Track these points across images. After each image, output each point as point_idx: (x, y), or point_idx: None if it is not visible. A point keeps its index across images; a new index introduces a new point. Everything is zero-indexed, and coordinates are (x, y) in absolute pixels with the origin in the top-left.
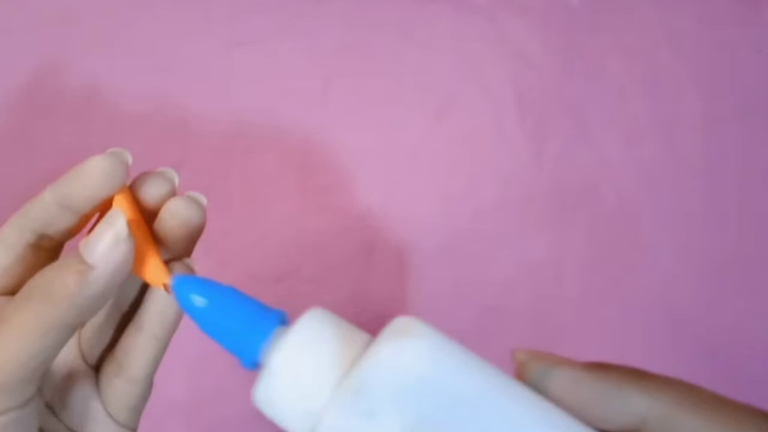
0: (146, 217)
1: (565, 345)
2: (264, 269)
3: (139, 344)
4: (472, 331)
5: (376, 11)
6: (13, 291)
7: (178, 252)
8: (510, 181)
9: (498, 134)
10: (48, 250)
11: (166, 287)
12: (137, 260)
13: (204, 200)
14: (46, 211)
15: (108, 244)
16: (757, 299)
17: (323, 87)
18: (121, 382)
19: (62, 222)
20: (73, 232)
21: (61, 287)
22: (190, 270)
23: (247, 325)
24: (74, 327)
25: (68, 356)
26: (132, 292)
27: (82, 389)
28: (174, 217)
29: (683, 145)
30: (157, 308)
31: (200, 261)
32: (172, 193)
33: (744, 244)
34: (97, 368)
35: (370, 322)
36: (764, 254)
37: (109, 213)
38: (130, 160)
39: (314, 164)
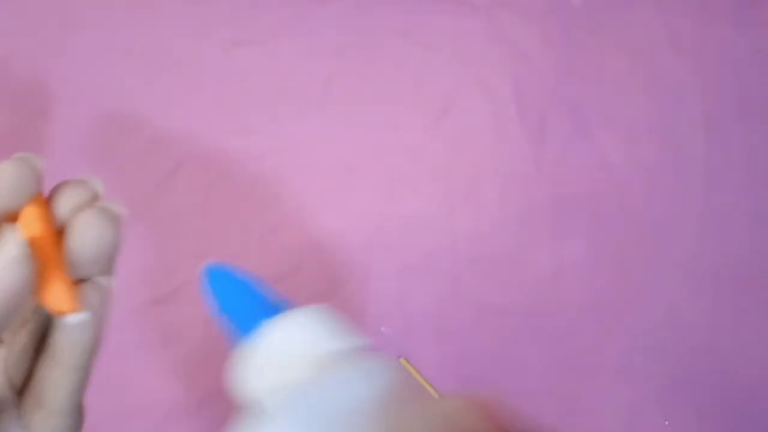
0: (60, 233)
1: (565, 347)
2: (264, 268)
3: (56, 376)
4: (473, 331)
5: (376, 11)
6: None
7: (94, 271)
8: (510, 181)
9: (498, 134)
10: None
11: (72, 313)
12: (41, 283)
13: (120, 211)
14: None
15: (1, 265)
16: (758, 299)
17: (323, 87)
18: (44, 415)
19: None
20: None
21: None
22: (102, 292)
23: (257, 305)
24: None
25: None
26: (47, 314)
27: (6, 421)
28: (82, 233)
29: (684, 146)
30: (70, 338)
31: (205, 259)
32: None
33: (745, 244)
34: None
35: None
36: (765, 253)
37: (4, 228)
38: (40, 165)
39: (314, 164)
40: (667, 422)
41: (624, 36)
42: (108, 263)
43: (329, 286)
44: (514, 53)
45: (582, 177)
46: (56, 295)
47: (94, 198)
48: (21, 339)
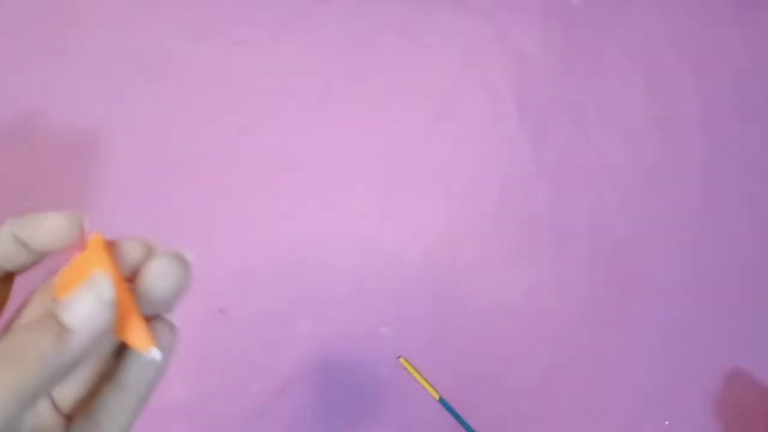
0: (124, 274)
1: (565, 347)
2: (263, 267)
3: (120, 403)
4: (472, 331)
5: (376, 12)
6: None
7: (162, 310)
8: (510, 181)
9: (498, 134)
10: (6, 278)
11: (149, 349)
12: (119, 321)
13: (189, 257)
14: (3, 244)
15: (90, 308)
16: (758, 298)
17: (323, 87)
18: None
19: (19, 258)
20: (29, 267)
21: (34, 351)
22: (173, 330)
23: None
24: (46, 391)
25: (39, 408)
26: (108, 347)
27: None
28: (158, 278)
29: (683, 145)
30: (142, 369)
31: (218, 261)
32: (149, 254)
33: (744, 243)
34: (69, 417)
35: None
36: (765, 253)
37: (93, 274)
38: (86, 224)
39: (314, 163)
40: (667, 422)
41: (624, 36)
42: (175, 303)
43: (329, 286)
44: (514, 53)
45: (582, 177)
46: (135, 333)
47: (149, 250)
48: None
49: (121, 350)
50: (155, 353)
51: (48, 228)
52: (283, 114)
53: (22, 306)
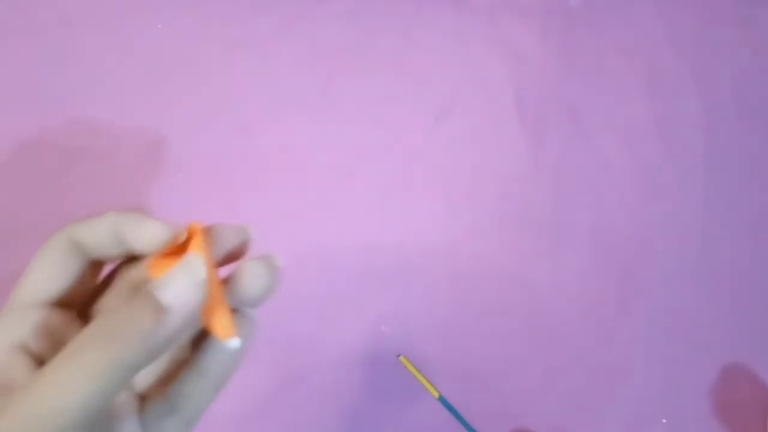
0: (216, 259)
1: (565, 347)
2: None
3: (199, 390)
4: (473, 331)
5: (376, 13)
6: (65, 304)
7: (244, 307)
8: (510, 181)
9: (498, 135)
10: (95, 264)
11: (232, 339)
12: (207, 308)
13: (280, 263)
14: (102, 237)
15: (185, 287)
16: (758, 298)
17: (323, 87)
18: (173, 423)
19: (113, 251)
20: (116, 257)
21: (135, 327)
22: (253, 325)
23: None
24: (141, 368)
25: None
26: (189, 333)
27: (126, 422)
28: (254, 283)
29: (683, 146)
30: (223, 359)
31: None
32: (245, 247)
33: (744, 243)
34: (142, 397)
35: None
36: (764, 253)
37: (188, 255)
38: (182, 236)
39: (314, 164)
40: (664, 420)
41: (623, 36)
42: (261, 303)
43: (329, 285)
44: (513, 54)
45: (582, 177)
46: (221, 321)
47: (245, 243)
48: None
49: (198, 340)
50: (235, 342)
51: (150, 233)
52: (283, 114)
53: (103, 287)
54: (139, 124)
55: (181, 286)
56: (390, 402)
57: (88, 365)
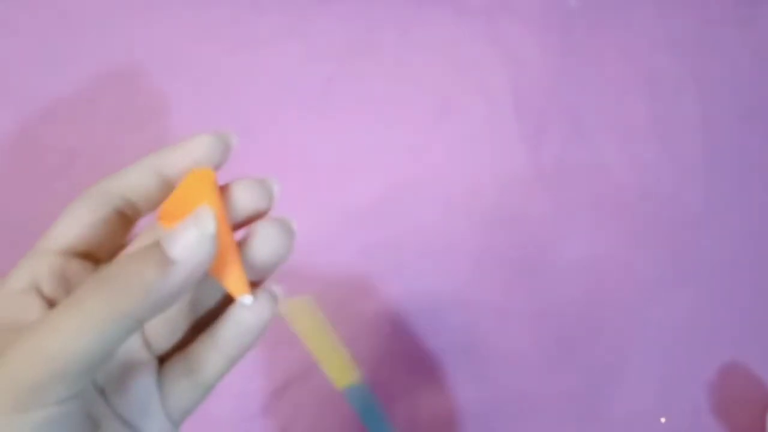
0: (234, 224)
1: (566, 347)
2: None
3: (212, 358)
4: (473, 331)
5: (376, 14)
6: (88, 255)
7: (258, 274)
8: (509, 182)
9: (497, 135)
10: (127, 219)
11: (245, 296)
12: (218, 264)
13: (295, 227)
14: (139, 175)
15: (193, 239)
16: (757, 298)
17: (324, 88)
18: (189, 384)
19: (150, 189)
20: (154, 203)
21: (139, 278)
22: (274, 299)
23: None
24: (145, 321)
25: (130, 343)
26: (212, 299)
27: (142, 379)
28: (265, 244)
29: (682, 146)
30: (237, 330)
31: None
32: (266, 207)
33: (744, 243)
34: (161, 360)
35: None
36: (764, 253)
37: (198, 208)
38: (234, 142)
39: (314, 164)
40: (663, 419)
41: (622, 37)
42: (274, 270)
43: (328, 286)
44: (512, 55)
45: (581, 178)
46: (233, 277)
47: (269, 200)
48: (170, 311)
49: (220, 308)
50: (247, 299)
51: (194, 144)
52: (283, 114)
53: (130, 241)
54: (139, 124)
55: (189, 239)
56: (390, 401)
57: (89, 313)
